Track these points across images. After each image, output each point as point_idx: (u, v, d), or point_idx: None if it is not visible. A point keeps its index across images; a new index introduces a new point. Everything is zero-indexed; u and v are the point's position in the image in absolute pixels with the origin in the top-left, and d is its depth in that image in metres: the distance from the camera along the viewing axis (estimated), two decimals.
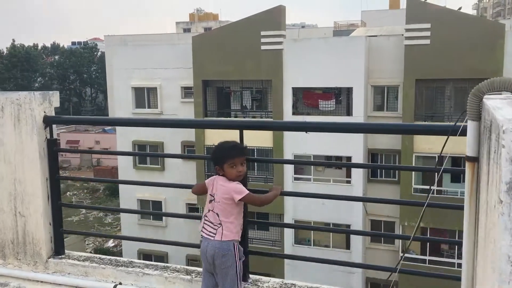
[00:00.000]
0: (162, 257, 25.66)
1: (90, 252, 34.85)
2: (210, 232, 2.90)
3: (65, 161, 58.41)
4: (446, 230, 21.49)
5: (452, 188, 21.35)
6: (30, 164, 3.47)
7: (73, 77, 79.06)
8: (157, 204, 25.80)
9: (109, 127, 53.07)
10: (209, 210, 2.93)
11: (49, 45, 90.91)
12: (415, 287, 21.15)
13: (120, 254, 30.79)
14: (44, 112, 3.48)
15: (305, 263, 21.64)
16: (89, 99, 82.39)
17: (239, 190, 2.85)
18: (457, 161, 21.52)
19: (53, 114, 3.54)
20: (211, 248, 2.87)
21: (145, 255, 26.11)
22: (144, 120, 3.56)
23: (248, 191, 2.87)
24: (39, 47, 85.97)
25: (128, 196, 25.87)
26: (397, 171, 22.07)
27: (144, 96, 25.42)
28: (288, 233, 22.69)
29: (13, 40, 77.59)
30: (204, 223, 2.94)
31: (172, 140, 24.39)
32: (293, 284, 3.08)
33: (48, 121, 3.48)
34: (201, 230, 2.94)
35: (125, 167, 25.96)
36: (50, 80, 79.18)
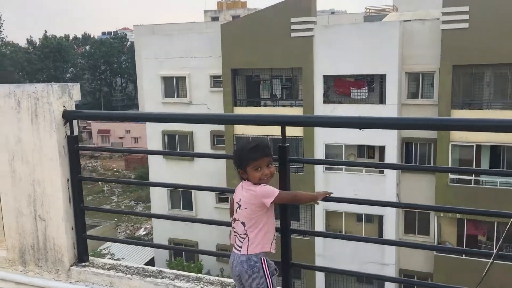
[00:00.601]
0: (192, 246, 25.69)
1: None
2: (237, 244, 2.55)
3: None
4: (484, 222, 20.72)
5: (491, 178, 20.51)
6: (50, 164, 3.17)
7: (103, 67, 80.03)
8: (187, 194, 25.77)
9: None
10: (235, 220, 2.58)
11: (80, 36, 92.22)
12: (449, 277, 20.57)
13: (151, 242, 31.04)
14: (64, 106, 3.17)
15: (337, 254, 21.27)
16: (119, 89, 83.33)
17: (269, 193, 2.47)
18: (497, 150, 20.65)
19: (73, 108, 3.23)
20: (236, 265, 2.52)
21: (176, 244, 26.19)
22: (173, 115, 3.25)
23: (278, 190, 2.50)
24: (70, 38, 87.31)
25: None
26: (432, 160, 21.32)
27: (173, 85, 25.27)
28: (319, 223, 22.30)
29: (45, 31, 79.03)
30: (233, 234, 2.60)
31: (202, 129, 24.22)
32: None
33: (68, 117, 3.16)
34: (231, 242, 2.58)
35: (155, 156, 26.01)
36: (81, 70, 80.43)
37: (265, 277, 2.47)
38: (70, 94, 3.21)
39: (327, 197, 2.64)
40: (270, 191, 2.48)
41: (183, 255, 26.05)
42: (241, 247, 2.51)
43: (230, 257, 2.57)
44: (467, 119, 2.26)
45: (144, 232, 37.56)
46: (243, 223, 2.52)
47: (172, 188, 23.83)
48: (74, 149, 3.21)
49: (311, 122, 2.87)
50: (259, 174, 2.49)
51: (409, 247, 2.81)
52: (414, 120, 2.58)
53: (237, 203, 2.57)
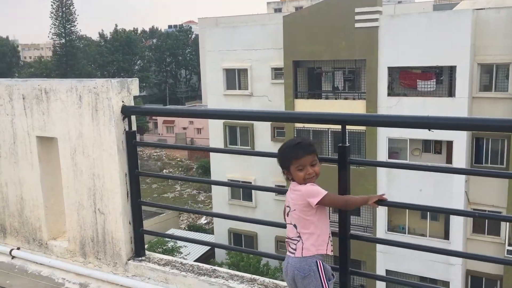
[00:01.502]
0: (251, 237, 25.90)
1: (184, 228, 36.36)
2: (291, 248, 2.44)
3: (161, 140, 61.24)
4: None
5: None
6: (108, 158, 3.21)
7: (169, 60, 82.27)
8: (246, 188, 25.96)
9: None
10: (288, 225, 2.48)
11: (148, 29, 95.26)
12: None
13: (211, 231, 31.66)
14: (122, 101, 3.19)
15: (399, 252, 20.61)
16: (184, 81, 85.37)
17: (315, 192, 2.35)
18: None
19: (132, 103, 3.24)
20: (290, 269, 2.41)
21: (235, 234, 26.52)
22: (231, 112, 3.20)
23: (326, 191, 2.36)
24: (139, 32, 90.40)
25: (219, 176, 26.25)
26: (505, 158, 20.09)
27: (235, 77, 25.44)
28: (381, 219, 21.71)
29: (116, 25, 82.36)
30: (286, 240, 2.50)
31: (262, 122, 24.22)
32: None
33: (126, 112, 3.18)
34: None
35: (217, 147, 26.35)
36: (148, 62, 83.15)
37: (322, 282, 2.35)
38: (129, 90, 3.23)
39: (382, 201, 2.44)
40: (316, 191, 2.37)
41: (242, 246, 26.32)
42: (295, 250, 2.41)
43: (284, 261, 2.47)
44: None
45: (206, 221, 38.34)
46: (295, 226, 2.43)
47: (224, 186, 24.08)
48: (132, 144, 3.23)
49: (374, 121, 2.63)
50: (303, 173, 2.39)
51: (476, 259, 2.55)
52: (490, 121, 2.32)
53: (287, 206, 2.48)
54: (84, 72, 72.43)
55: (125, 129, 3.23)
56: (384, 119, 2.56)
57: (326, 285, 2.36)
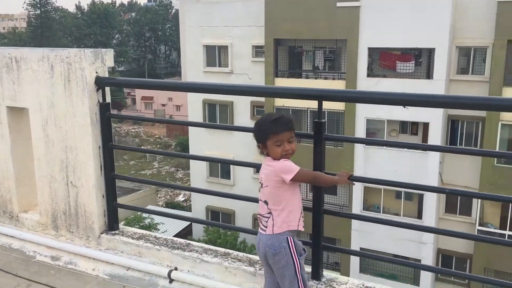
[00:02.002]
0: (229, 215, 26.04)
1: (162, 205, 36.32)
2: (262, 225, 2.44)
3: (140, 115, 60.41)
4: None
5: None
6: (82, 130, 3.14)
7: (148, 35, 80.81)
8: (225, 164, 25.95)
9: None
10: (259, 201, 2.46)
11: (126, 3, 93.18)
12: (488, 260, 20.03)
13: (189, 208, 31.71)
14: (96, 72, 3.10)
15: (373, 230, 21.02)
16: (163, 57, 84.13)
17: (289, 168, 2.33)
18: None
19: (106, 75, 3.16)
20: (262, 246, 2.41)
21: (213, 212, 26.62)
22: (208, 86, 3.15)
23: (299, 167, 2.35)
24: (117, 4, 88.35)
25: (198, 154, 26.19)
26: (479, 140, 20.52)
27: (215, 54, 25.17)
28: (357, 198, 22.04)
29: None
30: (258, 216, 2.49)
31: (242, 100, 24.12)
32: None
33: (100, 83, 3.10)
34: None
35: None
36: (127, 37, 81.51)
37: (293, 258, 2.36)
38: (103, 60, 3.14)
39: (352, 177, 2.48)
40: (290, 167, 2.35)
41: (220, 222, 26.45)
42: (266, 227, 2.41)
43: (256, 238, 2.47)
44: None
45: (183, 198, 38.36)
46: (265, 202, 2.41)
47: (202, 160, 24.00)
48: (106, 116, 3.16)
49: (350, 97, 2.66)
50: (280, 149, 2.36)
51: (446, 234, 2.61)
52: (463, 98, 2.34)
53: (260, 182, 2.46)
54: (60, 45, 70.70)
55: (99, 101, 3.15)
56: (360, 95, 2.56)
57: (297, 260, 2.37)
